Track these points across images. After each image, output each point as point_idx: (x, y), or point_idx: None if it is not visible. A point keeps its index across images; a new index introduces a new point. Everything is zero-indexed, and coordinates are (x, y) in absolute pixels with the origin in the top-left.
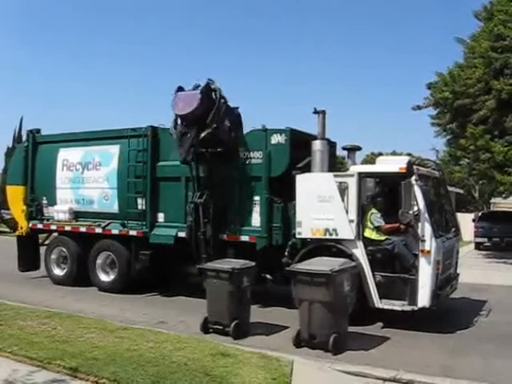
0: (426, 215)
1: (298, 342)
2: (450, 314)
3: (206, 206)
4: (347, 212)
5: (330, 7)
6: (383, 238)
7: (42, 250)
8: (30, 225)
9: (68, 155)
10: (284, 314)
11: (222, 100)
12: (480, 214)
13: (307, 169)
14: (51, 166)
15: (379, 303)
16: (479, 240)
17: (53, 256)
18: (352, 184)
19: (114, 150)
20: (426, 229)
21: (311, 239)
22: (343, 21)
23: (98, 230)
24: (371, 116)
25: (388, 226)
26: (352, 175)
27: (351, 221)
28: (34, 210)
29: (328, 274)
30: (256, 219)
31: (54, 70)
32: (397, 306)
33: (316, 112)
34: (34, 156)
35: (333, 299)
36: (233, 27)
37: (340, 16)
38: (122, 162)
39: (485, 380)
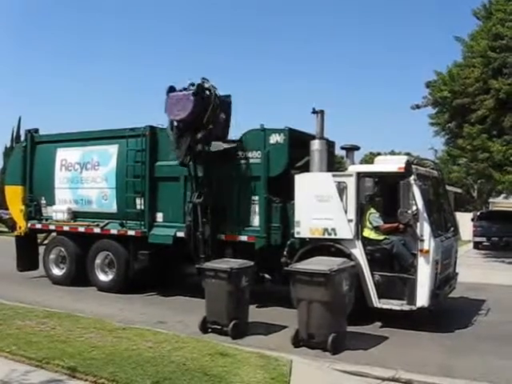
0: (425, 215)
1: (297, 342)
2: (449, 313)
3: (205, 205)
4: (346, 212)
5: (328, 7)
6: (382, 237)
7: (41, 249)
8: (29, 225)
9: (66, 155)
10: (283, 314)
11: (216, 99)
12: (479, 213)
13: (306, 168)
14: (50, 165)
15: (378, 303)
16: (478, 239)
17: (51, 256)
18: (351, 184)
19: (112, 150)
20: (424, 228)
21: (310, 239)
22: (342, 20)
23: (97, 230)
24: (370, 115)
25: (387, 225)
26: (351, 175)
27: (350, 220)
28: (33, 210)
29: (327, 274)
30: (255, 219)
31: (53, 69)
32: (395, 305)
33: (314, 112)
34: (32, 156)
35: (331, 299)
36: (232, 27)
37: (339, 15)
38: (120, 161)
39: (484, 379)
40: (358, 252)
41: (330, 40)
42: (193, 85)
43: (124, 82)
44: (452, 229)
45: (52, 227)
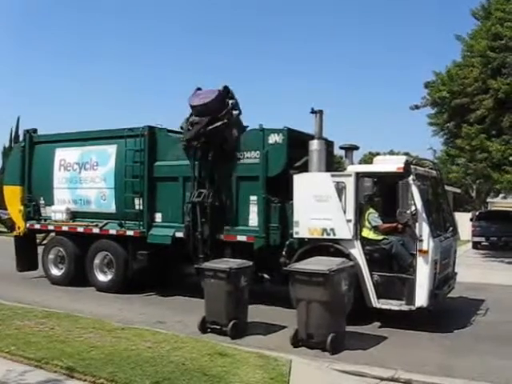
0: (424, 215)
1: (296, 342)
2: (448, 313)
3: (204, 205)
4: (345, 212)
5: (328, 7)
6: (381, 237)
7: (40, 250)
8: (28, 225)
9: (65, 155)
10: (282, 314)
11: (236, 111)
12: (477, 213)
13: (305, 168)
14: (48, 166)
15: (377, 303)
16: (477, 239)
17: (50, 256)
18: (349, 184)
19: (111, 150)
20: (423, 228)
21: (309, 239)
22: (341, 20)
23: (96, 230)
24: (369, 115)
25: (386, 225)
26: (349, 175)
27: (349, 220)
28: (32, 210)
29: (326, 274)
30: (253, 219)
31: (52, 69)
32: (394, 305)
33: (313, 112)
34: (31, 156)
35: (330, 299)
36: (232, 26)
37: (338, 15)
38: (119, 161)
39: (482, 379)
40: (357, 252)
41: (329, 40)
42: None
43: (123, 82)
44: (451, 229)
45: (51, 227)
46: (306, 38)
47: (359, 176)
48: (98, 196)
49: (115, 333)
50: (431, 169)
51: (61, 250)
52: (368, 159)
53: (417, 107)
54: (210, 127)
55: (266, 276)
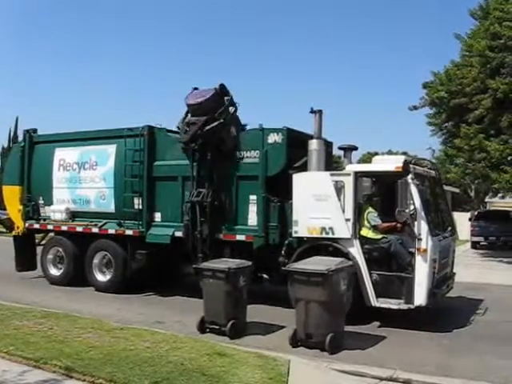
0: (423, 214)
1: (295, 342)
2: (447, 313)
3: (203, 205)
4: (343, 211)
5: (328, 7)
6: (380, 236)
7: (39, 250)
8: (27, 225)
9: (64, 155)
10: (281, 314)
11: (232, 107)
12: (476, 213)
13: (304, 168)
14: (48, 165)
15: (376, 302)
16: (475, 239)
17: (49, 256)
18: (348, 183)
19: (110, 150)
20: (422, 227)
21: (308, 238)
22: (341, 21)
23: (95, 230)
24: (368, 115)
25: (385, 224)
26: (348, 174)
27: (347, 220)
28: (31, 210)
29: (324, 274)
30: (253, 218)
31: (52, 69)
32: (393, 304)
33: (312, 111)
34: (30, 156)
35: (329, 298)
36: (232, 27)
37: (338, 16)
38: (118, 161)
39: (481, 379)
40: (356, 251)
41: (329, 40)
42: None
43: (123, 82)
44: (449, 228)
45: (50, 227)
46: (305, 38)
47: (358, 175)
48: (97, 196)
49: (114, 333)
50: (430, 168)
51: (60, 249)
52: (367, 159)
53: (415, 108)
54: (207, 128)
55: (264, 276)
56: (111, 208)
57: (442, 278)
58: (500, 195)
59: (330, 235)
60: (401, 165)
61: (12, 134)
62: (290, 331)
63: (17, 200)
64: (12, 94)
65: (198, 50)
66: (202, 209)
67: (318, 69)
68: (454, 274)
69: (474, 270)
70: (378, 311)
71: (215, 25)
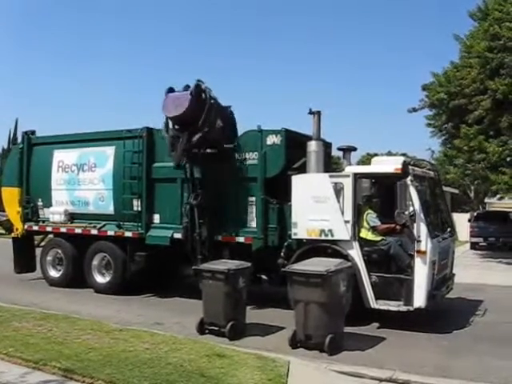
0: (422, 215)
1: (294, 343)
2: (446, 313)
3: (202, 207)
4: (343, 213)
5: (327, 8)
6: (379, 238)
7: (38, 251)
8: (26, 226)
9: (63, 157)
10: (280, 315)
11: (213, 100)
12: (476, 214)
13: (303, 169)
14: (46, 167)
15: (375, 304)
16: (475, 240)
17: (48, 258)
18: (347, 184)
19: (109, 152)
20: (421, 229)
21: (307, 240)
22: (341, 21)
23: (94, 232)
24: (367, 116)
25: (384, 226)
26: (347, 176)
27: (347, 221)
28: (30, 212)
29: (324, 275)
30: (252, 220)
31: (52, 70)
32: (392, 306)
33: (311, 113)
34: (29, 158)
35: (329, 300)
36: (232, 27)
37: (338, 17)
38: (117, 163)
39: (481, 380)
40: (355, 253)
41: (328, 41)
42: (188, 86)
43: (123, 82)
44: (449, 229)
45: (49, 229)
46: (304, 38)
47: (357, 177)
48: (96, 197)
49: (113, 334)
50: (429, 169)
51: (59, 251)
52: (366, 160)
53: (414, 110)
54: (193, 141)
55: (264, 277)
56: (110, 210)
57: (441, 279)
58: (498, 196)
59: (329, 237)
60: (400, 166)
61: (12, 135)
62: (290, 332)
63: (16, 202)
64: (12, 94)
65: (198, 50)
66: (200, 210)
67: (317, 69)
68: (454, 274)
69: (473, 271)
70: (377, 312)
71: (215, 25)
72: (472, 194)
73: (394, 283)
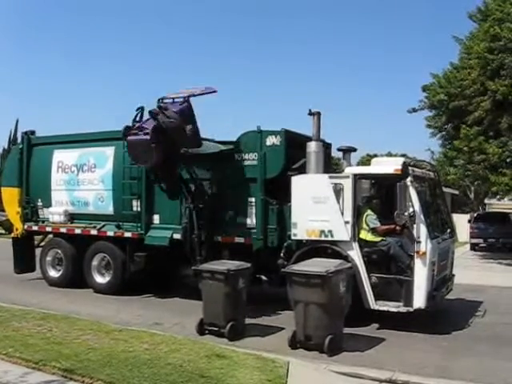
0: (422, 216)
1: (294, 344)
2: (446, 315)
3: (201, 207)
4: (342, 213)
5: (327, 9)
6: (378, 239)
7: (38, 251)
8: (26, 227)
9: (63, 157)
10: (280, 316)
11: (168, 119)
12: (475, 214)
13: (302, 170)
14: (46, 167)
15: (375, 304)
16: (475, 241)
17: (48, 258)
18: (347, 185)
19: (109, 152)
20: (421, 230)
21: (306, 241)
22: (340, 22)
23: (93, 232)
24: (366, 117)
25: (384, 227)
26: (347, 176)
27: (346, 222)
28: (29, 212)
29: (323, 276)
30: (251, 221)
31: (51, 71)
32: (392, 307)
33: (311, 113)
34: (28, 158)
35: (328, 300)
36: (232, 27)
37: (337, 18)
38: (117, 163)
39: (480, 381)
40: (355, 254)
41: (328, 42)
42: (140, 109)
43: (123, 83)
44: (449, 230)
45: (49, 229)
46: (304, 39)
47: (357, 178)
48: (95, 198)
49: (113, 334)
50: (429, 170)
51: (58, 251)
52: (366, 161)
53: (414, 110)
54: (167, 163)
55: (263, 278)
56: (110, 210)
57: (441, 280)
58: (498, 197)
59: (329, 238)
60: (400, 167)
61: (12, 135)
62: (289, 333)
63: (15, 202)
64: (13, 95)
65: (198, 51)
66: (200, 211)
67: (318, 70)
68: (453, 275)
69: (473, 272)
70: (377, 313)
71: (215, 26)
72: (472, 195)
73: (394, 284)
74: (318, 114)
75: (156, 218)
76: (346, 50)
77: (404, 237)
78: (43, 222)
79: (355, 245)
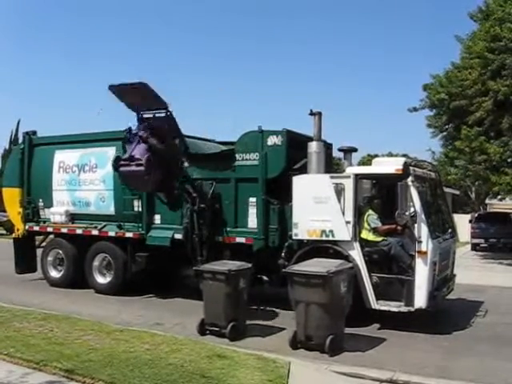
0: (423, 216)
1: (295, 344)
2: (447, 314)
3: (202, 207)
4: (343, 213)
5: (326, 9)
6: (380, 239)
7: (39, 252)
8: (27, 227)
9: (64, 157)
10: (280, 316)
11: (159, 141)
12: (477, 215)
13: (303, 170)
14: (47, 168)
15: (376, 304)
16: (476, 241)
17: (49, 258)
18: (348, 185)
19: (110, 152)
20: (422, 230)
21: (308, 240)
22: (340, 22)
23: (95, 232)
24: (367, 118)
25: (385, 227)
26: (348, 176)
27: (348, 222)
28: (31, 212)
29: (324, 276)
30: (252, 221)
31: (51, 71)
32: (393, 307)
33: (312, 114)
34: (30, 158)
35: (329, 300)
36: (230, 27)
37: (337, 18)
38: None
39: (481, 381)
40: (356, 253)
41: (328, 42)
42: (130, 130)
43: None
44: (450, 230)
45: (50, 229)
46: (304, 39)
47: (358, 178)
48: (97, 198)
49: (114, 335)
50: (430, 170)
51: (60, 252)
52: (367, 161)
53: (415, 109)
54: (165, 182)
55: (264, 278)
56: (111, 210)
57: (442, 280)
58: (499, 197)
59: (330, 238)
60: (401, 167)
61: (13, 136)
62: (290, 333)
63: (17, 202)
64: (13, 95)
65: (198, 52)
66: (201, 211)
67: (318, 70)
68: (455, 275)
69: (474, 272)
70: (378, 313)
71: (215, 26)
72: (473, 195)
73: (395, 284)
74: (319, 114)
75: (157, 218)
76: (346, 50)
77: (405, 237)
78: (44, 222)
79: (356, 245)
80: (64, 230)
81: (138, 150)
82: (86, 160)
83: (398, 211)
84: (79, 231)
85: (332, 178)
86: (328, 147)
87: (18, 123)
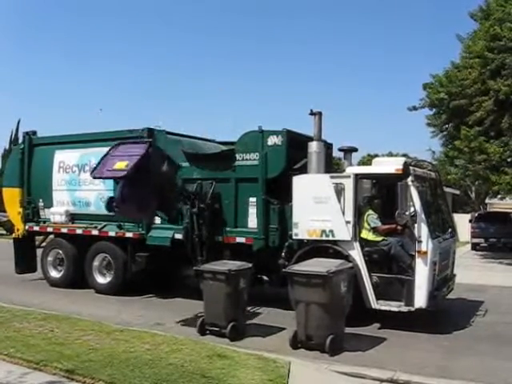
0: (423, 216)
1: (295, 344)
2: (447, 314)
3: (202, 207)
4: (344, 213)
5: (326, 9)
6: (380, 238)
7: (39, 252)
8: (27, 227)
9: (64, 157)
10: (281, 316)
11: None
12: (477, 214)
13: (304, 170)
14: (47, 168)
15: (376, 304)
16: (476, 241)
17: (49, 258)
18: (348, 185)
19: None
20: (422, 230)
21: (308, 240)
22: (340, 22)
23: (95, 232)
24: (367, 118)
25: (385, 226)
26: (348, 176)
27: (348, 222)
28: (31, 212)
29: (325, 275)
30: (252, 221)
31: (51, 71)
32: (393, 306)
33: (312, 113)
34: (30, 158)
35: (329, 300)
36: (230, 27)
37: (337, 18)
38: None
39: (481, 380)
40: (356, 253)
41: (328, 42)
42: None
43: (124, 83)
44: (450, 230)
45: (50, 229)
46: (305, 39)
47: (358, 177)
48: (97, 198)
49: (114, 335)
50: (430, 170)
51: (60, 252)
52: (367, 161)
53: (415, 108)
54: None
55: (265, 278)
56: None
57: (442, 280)
58: (499, 197)
59: (331, 237)
60: (401, 167)
61: (13, 136)
62: (290, 333)
63: (17, 202)
64: (13, 95)
65: (198, 52)
66: (201, 211)
67: (318, 70)
68: (455, 275)
69: (474, 272)
70: (378, 313)
71: (215, 26)
72: (473, 195)
73: (395, 284)
74: (320, 114)
75: (157, 218)
76: (346, 50)
77: (405, 236)
78: (44, 222)
79: (356, 244)
80: (64, 230)
81: (128, 189)
82: (86, 160)
83: (397, 211)
84: (79, 231)
85: (332, 177)
86: (328, 147)
87: (18, 123)
